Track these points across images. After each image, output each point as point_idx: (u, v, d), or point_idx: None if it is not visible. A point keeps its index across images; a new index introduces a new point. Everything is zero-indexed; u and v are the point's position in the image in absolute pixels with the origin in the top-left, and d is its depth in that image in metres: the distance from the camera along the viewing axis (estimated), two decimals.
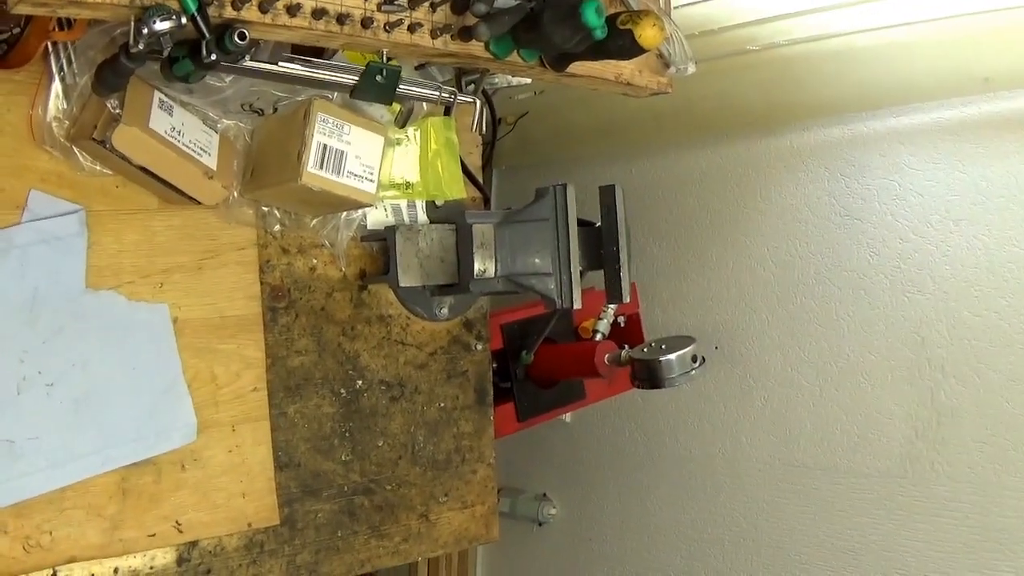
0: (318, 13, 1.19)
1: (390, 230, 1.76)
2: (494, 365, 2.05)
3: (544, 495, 3.42)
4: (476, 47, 1.37)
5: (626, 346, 2.45)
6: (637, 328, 2.85)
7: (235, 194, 1.59)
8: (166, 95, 1.42)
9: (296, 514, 1.73)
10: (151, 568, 1.57)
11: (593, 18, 1.21)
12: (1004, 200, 2.29)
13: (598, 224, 1.75)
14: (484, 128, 1.65)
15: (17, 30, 1.30)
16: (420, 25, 1.30)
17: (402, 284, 1.76)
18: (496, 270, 1.71)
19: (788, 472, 2.71)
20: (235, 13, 1.14)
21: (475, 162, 1.99)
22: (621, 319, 2.77)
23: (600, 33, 1.24)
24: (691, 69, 1.63)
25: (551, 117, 3.09)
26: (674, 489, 2.98)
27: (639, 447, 3.08)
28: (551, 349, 2.56)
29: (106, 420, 1.50)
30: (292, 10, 1.17)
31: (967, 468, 2.36)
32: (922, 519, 2.44)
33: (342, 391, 1.79)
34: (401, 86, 1.46)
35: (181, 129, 1.44)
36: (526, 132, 3.14)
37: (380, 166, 1.57)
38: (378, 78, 1.39)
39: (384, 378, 1.85)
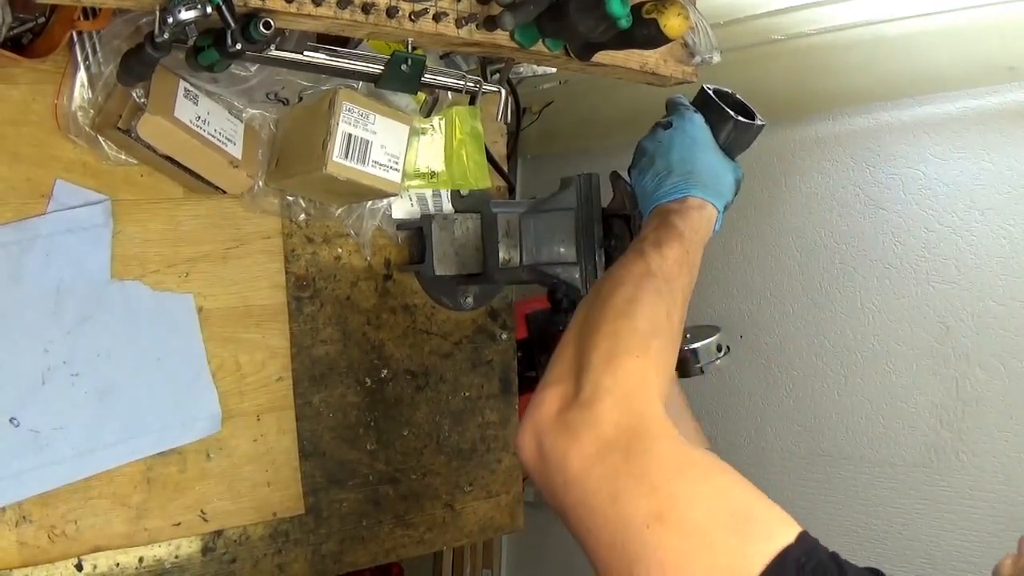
0: (343, 2, 1.19)
1: (426, 219, 1.76)
2: (519, 355, 2.05)
3: None
4: (501, 36, 1.36)
5: None
6: None
7: (260, 183, 1.59)
8: (191, 84, 1.42)
9: (321, 503, 1.73)
10: (176, 557, 1.58)
11: (618, 7, 1.21)
12: None
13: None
14: (509, 117, 1.64)
15: (42, 19, 1.30)
16: (445, 14, 1.29)
17: (438, 272, 1.76)
18: (521, 259, 1.71)
19: (813, 461, 2.70)
20: (260, 2, 1.13)
21: (500, 151, 1.98)
22: None
23: (625, 23, 1.23)
24: (716, 58, 1.62)
25: (576, 106, 3.07)
26: None
27: None
28: None
29: (131, 410, 1.50)
30: None
31: (992, 457, 2.34)
32: (947, 508, 2.43)
33: (367, 380, 1.80)
34: (426, 75, 1.45)
35: (206, 118, 1.44)
36: (551, 121, 3.13)
37: (405, 155, 1.56)
38: (403, 67, 1.39)
39: (409, 367, 1.86)
